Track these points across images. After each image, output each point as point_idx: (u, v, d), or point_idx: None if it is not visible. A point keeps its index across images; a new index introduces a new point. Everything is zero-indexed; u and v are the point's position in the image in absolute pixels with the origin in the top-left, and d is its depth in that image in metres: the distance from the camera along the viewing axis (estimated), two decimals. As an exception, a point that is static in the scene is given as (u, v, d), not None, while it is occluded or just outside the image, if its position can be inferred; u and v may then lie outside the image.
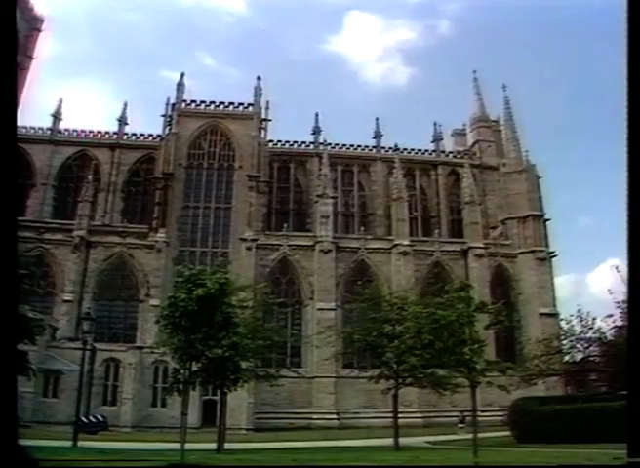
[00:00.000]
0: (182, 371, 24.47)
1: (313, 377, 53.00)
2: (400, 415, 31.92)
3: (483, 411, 36.79)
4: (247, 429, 44.82)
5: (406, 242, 59.14)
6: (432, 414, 50.89)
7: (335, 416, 52.05)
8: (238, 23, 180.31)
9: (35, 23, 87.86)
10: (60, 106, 68.88)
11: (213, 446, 25.50)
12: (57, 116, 68.14)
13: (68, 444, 25.17)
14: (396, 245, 58.89)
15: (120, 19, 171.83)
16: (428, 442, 33.66)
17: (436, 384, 29.81)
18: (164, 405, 44.93)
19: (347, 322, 48.31)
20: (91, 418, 39.54)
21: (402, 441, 28.47)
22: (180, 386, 24.29)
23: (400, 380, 30.58)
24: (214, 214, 60.44)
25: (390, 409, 33.16)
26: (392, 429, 29.61)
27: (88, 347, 32.33)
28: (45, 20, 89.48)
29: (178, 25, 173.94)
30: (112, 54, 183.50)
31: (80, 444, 25.23)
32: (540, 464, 18.76)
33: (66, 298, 54.27)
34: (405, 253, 58.31)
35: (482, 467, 18.35)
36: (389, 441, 28.63)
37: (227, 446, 25.83)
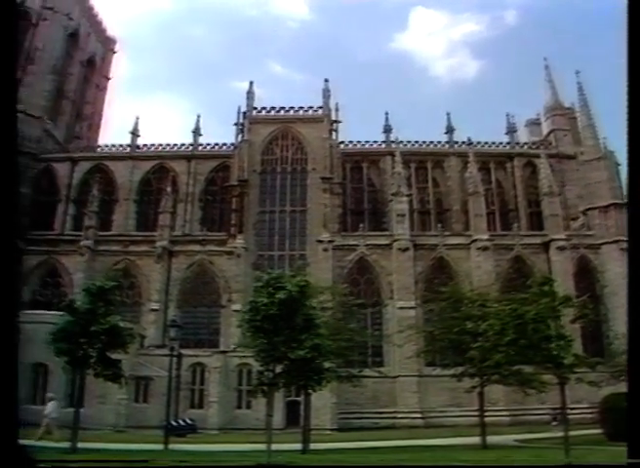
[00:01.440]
0: (266, 374, 24.92)
1: (396, 376, 52.75)
2: (486, 413, 31.46)
3: (573, 409, 35.74)
4: (331, 429, 45.04)
5: (485, 237, 58.07)
6: (519, 412, 49.74)
7: (419, 415, 51.64)
8: (303, 28, 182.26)
9: (109, 45, 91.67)
10: (137, 123, 71.46)
11: (298, 446, 25.83)
12: (135, 133, 70.68)
13: (160, 447, 26.04)
14: (475, 240, 57.88)
15: (188, 34, 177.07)
16: (517, 440, 33.00)
17: (522, 382, 29.23)
18: (249, 407, 45.73)
19: (428, 320, 47.92)
20: (180, 421, 40.56)
21: (489, 439, 28.08)
22: (265, 388, 24.75)
23: (485, 378, 30.17)
24: (289, 217, 61.14)
25: (476, 408, 32.69)
26: (479, 427, 29.24)
27: (175, 353, 33.27)
28: (117, 42, 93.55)
29: (243, 35, 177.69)
30: (183, 69, 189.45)
31: (171, 446, 26.04)
32: (540, 464, 18.55)
33: (153, 307, 56.16)
34: (484, 249, 57.24)
35: (470, 467, 18.13)
36: (476, 439, 28.28)
37: (312, 446, 26.12)
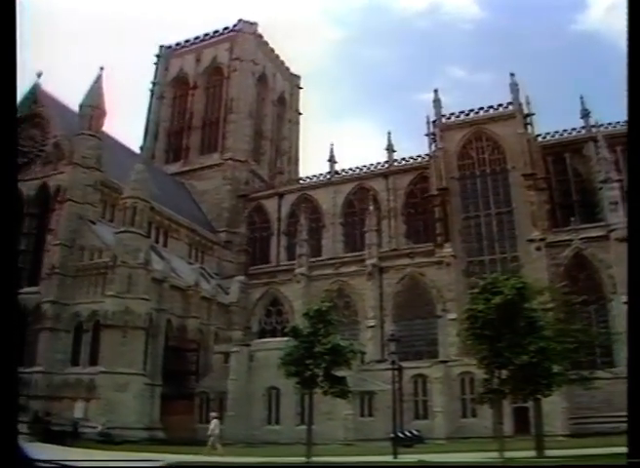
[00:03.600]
0: (492, 381, 24.55)
1: (630, 377, 48.85)
2: None
3: None
4: (563, 435, 42.75)
5: None
6: None
7: (664, 417, 47.30)
8: (477, 28, 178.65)
9: (294, 81, 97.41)
10: (332, 150, 75.01)
11: (530, 453, 24.98)
12: (331, 160, 74.06)
13: (389, 458, 26.58)
14: (703, 220, 52.28)
15: (366, 57, 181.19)
16: None
17: None
18: (474, 415, 45.03)
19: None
20: (406, 433, 41.00)
21: None
22: (491, 396, 24.37)
23: None
24: (495, 219, 59.47)
25: None
26: None
27: (395, 366, 33.88)
28: (302, 77, 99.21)
29: (419, 47, 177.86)
30: (368, 90, 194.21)
31: (400, 457, 26.45)
32: (539, 464, 18.41)
33: (369, 324, 57.72)
34: None
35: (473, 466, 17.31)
36: None
37: (547, 453, 25.11)
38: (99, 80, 55.79)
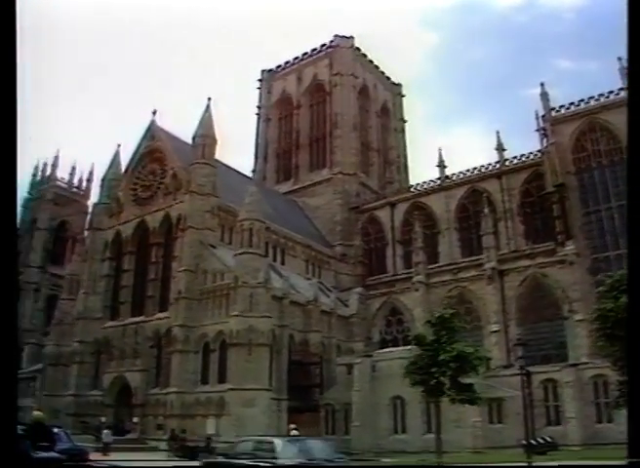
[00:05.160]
0: (626, 384, 23.55)
1: None
2: None
3: None
4: None
5: None
6: None
7: None
8: (580, 16, 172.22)
9: (395, 90, 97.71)
10: (440, 155, 73.59)
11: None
12: (441, 165, 72.82)
13: (523, 465, 26.01)
14: None
15: (467, 59, 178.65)
16: None
17: None
18: (610, 420, 42.70)
19: None
20: (538, 439, 39.70)
21: None
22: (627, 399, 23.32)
23: None
24: (617, 213, 56.41)
25: None
26: None
27: (523, 372, 33.03)
28: (403, 86, 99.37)
29: (522, 43, 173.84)
30: (471, 91, 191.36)
31: (535, 464, 25.79)
32: (538, 463, 18.57)
33: (493, 329, 56.32)
34: None
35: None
36: None
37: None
38: (208, 110, 58.32)
